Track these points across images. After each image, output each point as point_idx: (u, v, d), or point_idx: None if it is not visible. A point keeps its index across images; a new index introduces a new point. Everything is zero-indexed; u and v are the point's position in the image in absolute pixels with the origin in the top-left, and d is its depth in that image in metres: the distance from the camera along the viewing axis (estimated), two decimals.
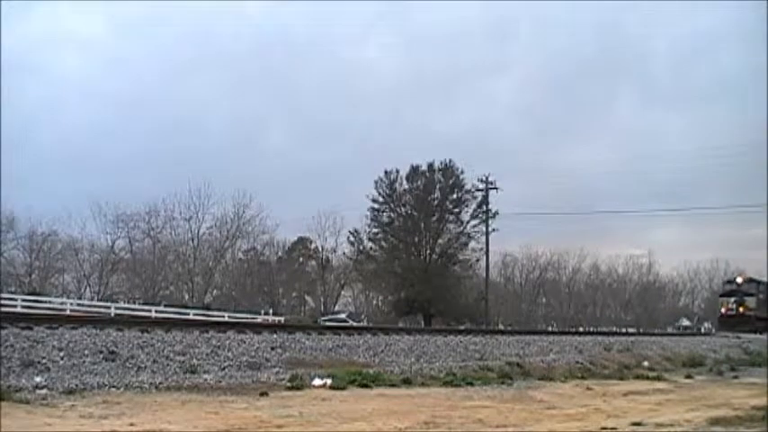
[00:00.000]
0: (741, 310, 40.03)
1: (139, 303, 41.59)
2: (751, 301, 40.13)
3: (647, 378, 14.63)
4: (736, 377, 15.99)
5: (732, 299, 41.23)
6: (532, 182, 72.41)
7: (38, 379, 8.22)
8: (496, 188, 46.35)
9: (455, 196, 47.02)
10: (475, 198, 47.15)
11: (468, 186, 46.92)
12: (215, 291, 54.04)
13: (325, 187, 73.24)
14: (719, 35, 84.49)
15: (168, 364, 9.98)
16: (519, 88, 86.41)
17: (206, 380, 9.48)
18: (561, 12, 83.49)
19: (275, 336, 12.82)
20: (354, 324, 30.29)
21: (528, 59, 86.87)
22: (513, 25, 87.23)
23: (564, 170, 73.51)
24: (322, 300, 57.85)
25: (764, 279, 43.74)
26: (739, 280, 42.88)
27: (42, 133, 67.88)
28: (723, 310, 41.96)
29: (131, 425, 6.31)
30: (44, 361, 8.93)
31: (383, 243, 47.59)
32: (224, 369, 10.38)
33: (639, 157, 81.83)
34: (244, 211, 52.04)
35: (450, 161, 47.15)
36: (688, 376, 15.60)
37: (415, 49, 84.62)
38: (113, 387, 8.39)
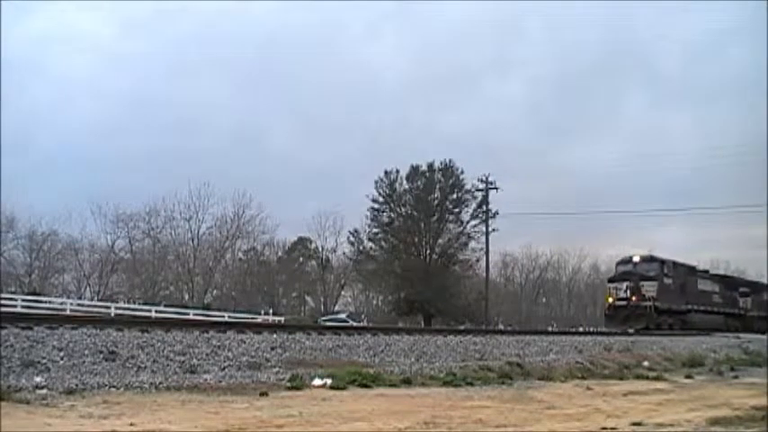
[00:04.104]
0: (635, 298, 29.40)
1: (139, 303, 41.59)
2: (650, 287, 29.55)
3: (647, 378, 14.62)
4: (736, 377, 15.98)
5: (624, 284, 30.23)
6: (534, 181, 72.73)
7: (38, 379, 8.21)
8: (496, 188, 46.51)
9: (455, 196, 47.14)
10: (475, 198, 47.29)
11: (468, 186, 47.08)
12: (215, 291, 54.10)
13: (326, 187, 73.58)
14: (729, 34, 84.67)
15: (168, 364, 9.98)
16: (526, 87, 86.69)
17: (206, 380, 9.47)
18: (569, 11, 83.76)
19: (275, 336, 12.81)
20: (354, 324, 30.27)
21: (536, 59, 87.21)
22: (521, 24, 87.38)
23: (568, 170, 73.80)
24: (322, 300, 57.89)
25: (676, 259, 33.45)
26: (636, 258, 31.55)
27: (43, 133, 68.19)
28: (611, 299, 30.76)
29: (131, 425, 6.30)
30: (44, 361, 8.92)
31: (383, 243, 47.67)
32: (224, 369, 10.38)
33: (644, 156, 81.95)
34: (244, 211, 52.25)
35: (450, 161, 47.35)
36: (688, 376, 15.59)
37: (421, 49, 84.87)
38: (113, 387, 8.38)
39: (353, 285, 58.29)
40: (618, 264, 33.31)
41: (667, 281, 30.82)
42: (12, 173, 51.53)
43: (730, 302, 36.53)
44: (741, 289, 38.57)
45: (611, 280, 32.82)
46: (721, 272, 45.85)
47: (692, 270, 34.29)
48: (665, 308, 30.07)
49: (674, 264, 32.32)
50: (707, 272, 36.63)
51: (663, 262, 31.44)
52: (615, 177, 74.58)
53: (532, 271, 67.28)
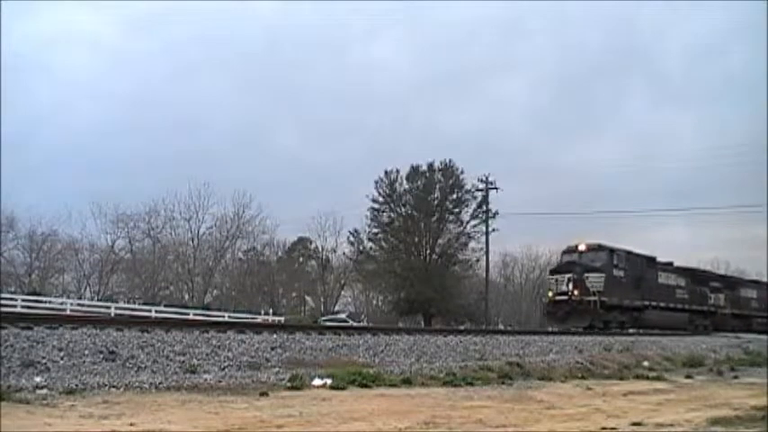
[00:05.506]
0: (577, 292, 25.75)
1: (139, 303, 41.65)
2: (596, 280, 26.03)
3: (647, 378, 14.63)
4: (736, 377, 15.99)
5: (566, 276, 26.45)
6: (534, 181, 72.71)
7: (38, 379, 8.22)
8: (496, 188, 46.53)
9: (455, 196, 47.14)
10: (475, 198, 47.30)
11: (468, 186, 47.09)
12: (215, 291, 54.10)
13: (326, 187, 73.65)
14: (730, 34, 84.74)
15: (168, 364, 9.98)
16: (529, 88, 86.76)
17: (206, 380, 9.47)
18: (570, 11, 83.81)
19: (275, 336, 12.81)
20: (354, 324, 30.28)
21: (538, 59, 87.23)
22: (523, 25, 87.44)
23: (568, 170, 73.74)
24: (322, 300, 57.86)
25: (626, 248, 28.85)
26: (582, 247, 27.54)
27: (43, 133, 68.26)
28: (551, 293, 27.38)
29: (131, 425, 6.31)
30: (44, 361, 8.93)
31: (383, 243, 47.69)
32: (224, 369, 10.38)
33: (646, 156, 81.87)
34: (244, 211, 52.26)
35: (450, 161, 47.36)
36: (688, 376, 15.60)
37: (422, 49, 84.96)
38: (113, 387, 8.38)
39: (353, 285, 58.26)
40: (563, 253, 29.20)
41: (617, 273, 27.27)
42: (12, 173, 51.67)
43: (698, 299, 32.69)
44: (712, 284, 34.76)
45: (553, 271, 28.97)
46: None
47: (651, 261, 30.11)
48: (615, 303, 26.55)
49: (628, 254, 28.33)
50: (671, 264, 32.16)
51: (612, 251, 27.57)
52: (616, 177, 74.50)
53: (532, 271, 67.15)
